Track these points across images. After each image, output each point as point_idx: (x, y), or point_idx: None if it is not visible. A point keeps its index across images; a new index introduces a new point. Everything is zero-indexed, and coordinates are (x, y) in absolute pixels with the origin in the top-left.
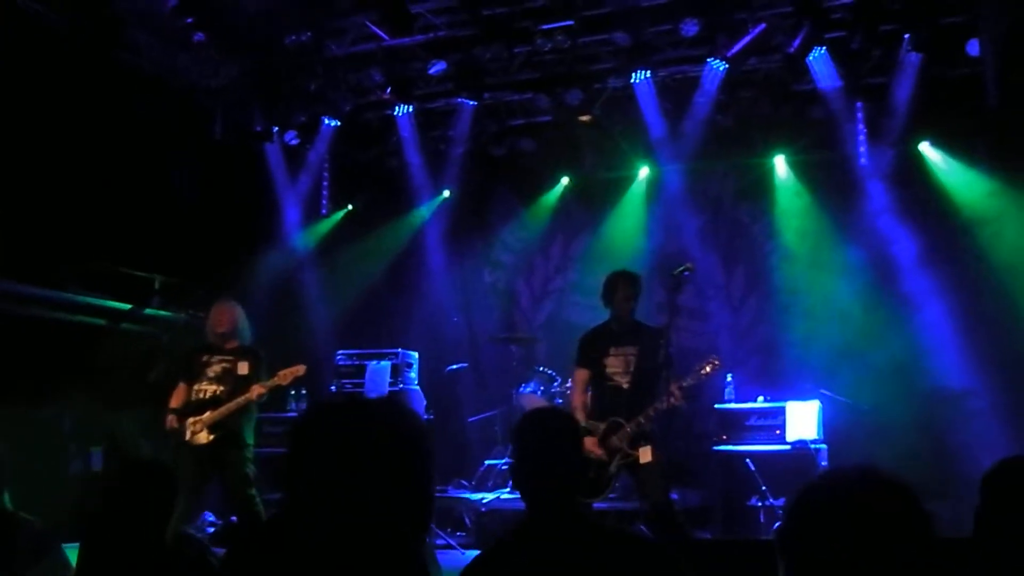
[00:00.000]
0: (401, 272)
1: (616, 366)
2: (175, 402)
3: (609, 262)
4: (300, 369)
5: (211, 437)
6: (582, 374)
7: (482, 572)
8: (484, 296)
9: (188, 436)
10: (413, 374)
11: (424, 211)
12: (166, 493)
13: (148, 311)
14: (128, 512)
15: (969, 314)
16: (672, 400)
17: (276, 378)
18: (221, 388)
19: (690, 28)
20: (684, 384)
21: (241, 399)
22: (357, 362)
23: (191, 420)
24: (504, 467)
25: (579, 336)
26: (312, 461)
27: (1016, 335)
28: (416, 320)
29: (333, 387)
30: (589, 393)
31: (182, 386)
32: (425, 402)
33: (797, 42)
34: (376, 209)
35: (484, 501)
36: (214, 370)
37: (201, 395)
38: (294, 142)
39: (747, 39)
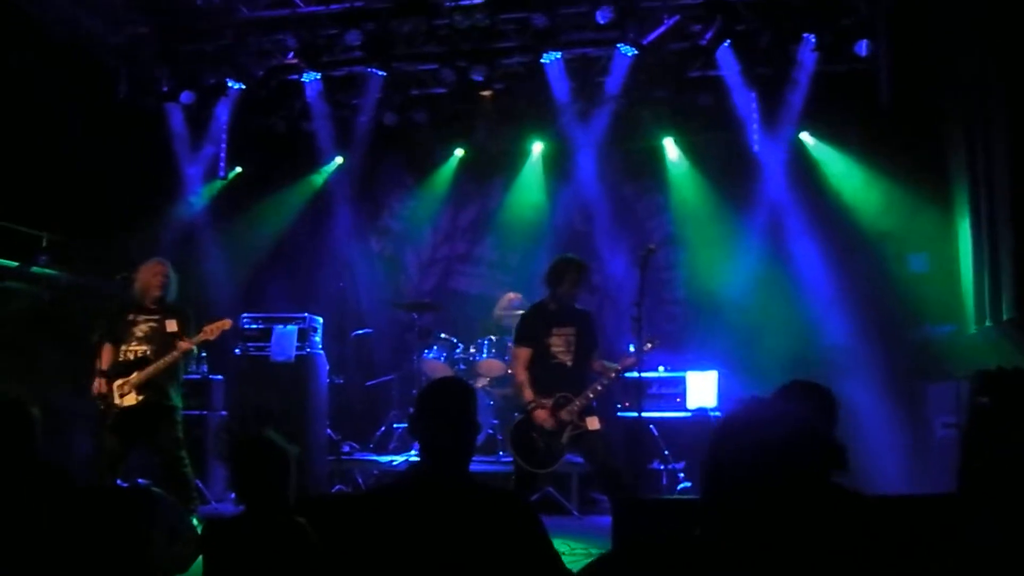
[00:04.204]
0: (300, 237)
1: (559, 345)
2: (103, 364)
3: (497, 234)
4: (227, 323)
5: (140, 398)
6: (524, 352)
7: (365, 508)
8: (372, 263)
9: (117, 399)
10: (318, 338)
11: (320, 177)
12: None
13: (35, 269)
14: None
15: (844, 278)
16: (616, 376)
17: (203, 333)
18: (149, 348)
19: (604, 15)
20: (629, 361)
21: (169, 357)
22: (263, 325)
23: (119, 382)
24: (402, 430)
25: (471, 307)
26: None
27: (884, 292)
28: (318, 285)
29: (238, 350)
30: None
31: (108, 347)
32: (328, 367)
33: (709, 35)
34: (274, 173)
35: (394, 463)
36: (141, 329)
37: (129, 356)
38: (189, 101)
39: (662, 28)
